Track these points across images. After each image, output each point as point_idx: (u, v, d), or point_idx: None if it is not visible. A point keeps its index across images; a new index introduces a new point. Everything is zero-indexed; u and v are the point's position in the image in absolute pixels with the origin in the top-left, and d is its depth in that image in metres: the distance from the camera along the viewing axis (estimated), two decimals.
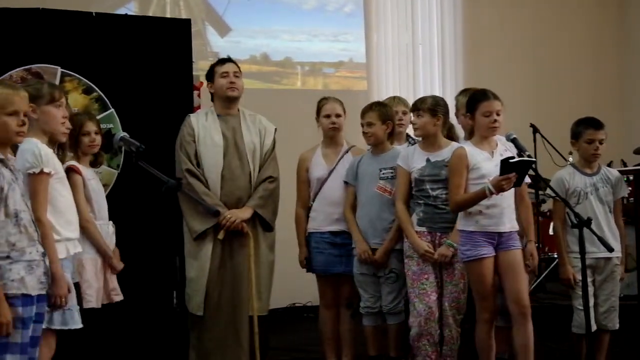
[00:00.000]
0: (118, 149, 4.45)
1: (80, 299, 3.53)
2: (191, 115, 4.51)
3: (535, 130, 6.30)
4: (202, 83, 5.12)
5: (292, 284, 5.52)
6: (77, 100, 4.61)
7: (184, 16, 6.69)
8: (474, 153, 3.92)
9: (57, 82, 4.49)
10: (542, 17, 8.03)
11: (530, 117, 6.48)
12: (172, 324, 4.54)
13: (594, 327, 4.03)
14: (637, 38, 8.12)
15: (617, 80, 8.25)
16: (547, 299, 6.13)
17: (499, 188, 3.72)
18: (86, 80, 4.65)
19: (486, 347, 3.95)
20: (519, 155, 3.86)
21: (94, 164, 4.08)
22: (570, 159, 5.42)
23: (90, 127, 3.98)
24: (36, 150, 3.20)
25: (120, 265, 4.00)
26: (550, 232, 6.03)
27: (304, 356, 5.21)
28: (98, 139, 4.01)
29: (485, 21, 7.82)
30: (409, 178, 4.16)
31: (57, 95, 3.43)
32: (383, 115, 4.37)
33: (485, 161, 3.90)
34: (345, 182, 4.48)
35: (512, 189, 3.83)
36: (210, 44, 7.06)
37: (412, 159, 4.17)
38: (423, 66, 7.59)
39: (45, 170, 3.19)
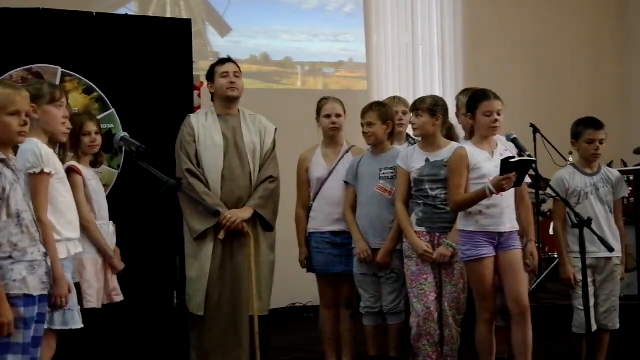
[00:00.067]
0: (118, 149, 4.45)
1: (80, 299, 3.53)
2: (191, 115, 4.51)
3: (535, 130, 6.30)
4: (202, 83, 5.12)
5: (293, 284, 5.51)
6: (77, 100, 4.61)
7: (184, 16, 6.70)
8: (475, 153, 3.92)
9: (57, 82, 4.48)
10: (542, 17, 8.02)
11: (531, 117, 6.47)
12: (172, 324, 4.54)
13: (594, 327, 4.03)
14: (637, 38, 8.12)
15: (617, 80, 8.25)
16: (547, 299, 6.13)
17: (499, 188, 3.72)
18: (86, 80, 4.65)
19: (486, 347, 3.95)
20: (519, 155, 3.86)
21: (95, 164, 4.08)
22: (571, 159, 5.41)
23: (91, 127, 3.98)
24: (37, 150, 3.20)
25: (121, 265, 4.00)
26: (551, 232, 6.03)
27: (304, 356, 5.21)
28: (98, 139, 4.01)
29: (485, 21, 7.81)
30: (409, 178, 4.16)
31: (57, 95, 3.43)
32: (383, 115, 4.38)
33: (486, 161, 3.90)
34: (346, 182, 4.48)
35: (512, 189, 3.83)
36: (210, 44, 7.06)
37: (412, 159, 4.17)
38: (423, 66, 7.58)
39: (46, 170, 3.19)
